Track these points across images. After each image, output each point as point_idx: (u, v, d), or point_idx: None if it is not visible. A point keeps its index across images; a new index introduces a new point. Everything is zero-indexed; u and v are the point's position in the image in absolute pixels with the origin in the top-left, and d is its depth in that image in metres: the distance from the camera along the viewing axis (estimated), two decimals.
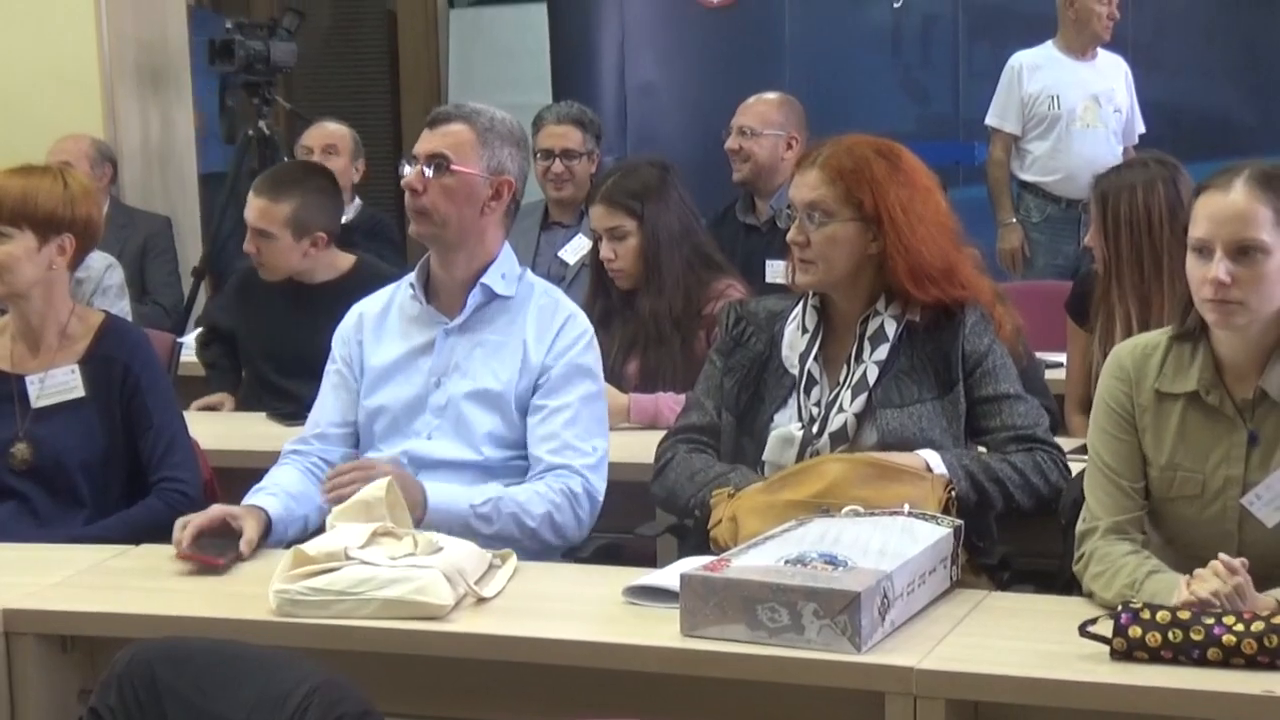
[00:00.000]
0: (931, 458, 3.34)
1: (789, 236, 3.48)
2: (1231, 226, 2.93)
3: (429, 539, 3.15)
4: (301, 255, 4.86)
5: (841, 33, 8.15)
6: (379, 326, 3.74)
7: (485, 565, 3.20)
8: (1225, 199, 2.95)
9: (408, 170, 3.58)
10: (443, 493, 3.46)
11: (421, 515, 3.39)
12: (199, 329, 5.41)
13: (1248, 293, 2.94)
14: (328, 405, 3.75)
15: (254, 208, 4.89)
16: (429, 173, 3.55)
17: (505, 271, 3.67)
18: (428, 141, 3.60)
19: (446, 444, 3.60)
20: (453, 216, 3.59)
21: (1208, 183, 3.02)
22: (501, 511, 3.48)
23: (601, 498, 3.63)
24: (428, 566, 3.03)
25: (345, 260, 4.95)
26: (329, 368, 3.78)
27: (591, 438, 3.61)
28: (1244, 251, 2.93)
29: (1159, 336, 3.15)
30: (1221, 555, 2.79)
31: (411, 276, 3.72)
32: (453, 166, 3.56)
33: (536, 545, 3.52)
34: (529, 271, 3.76)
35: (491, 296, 3.65)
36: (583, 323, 3.70)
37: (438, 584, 3.00)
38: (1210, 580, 2.76)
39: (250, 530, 3.39)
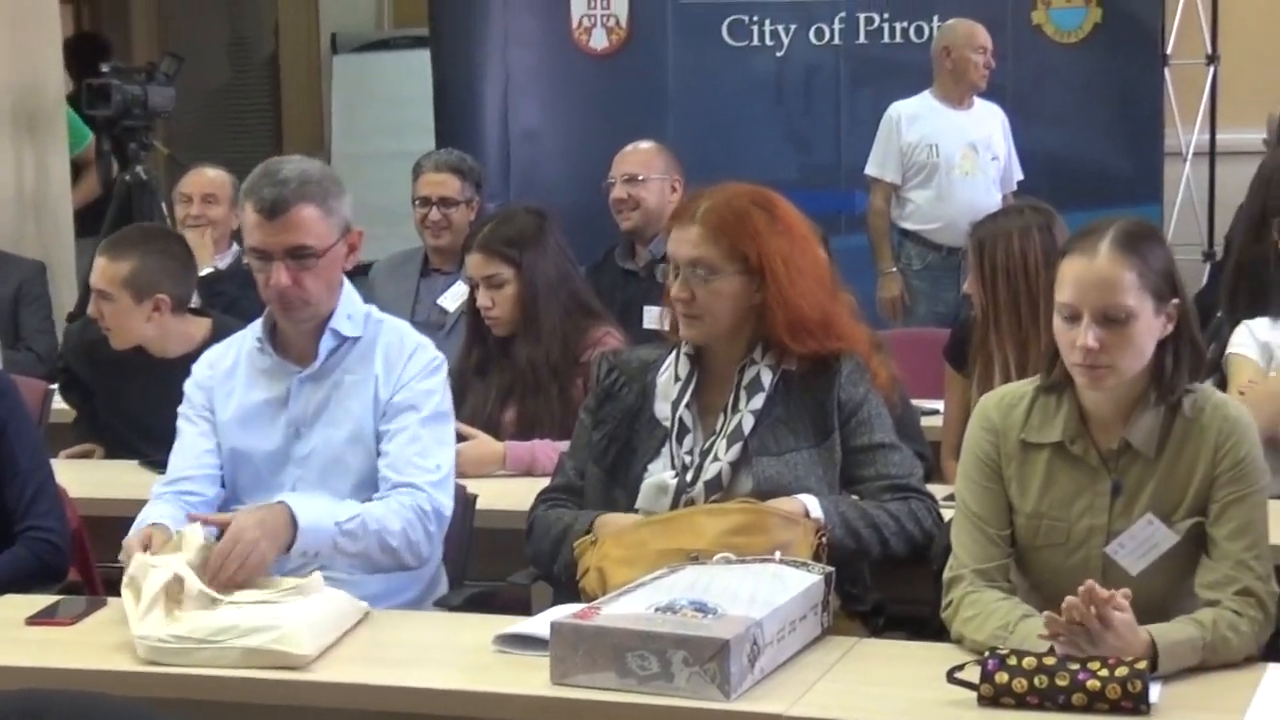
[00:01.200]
0: (810, 502, 3.35)
1: (673, 293, 3.46)
2: (1097, 294, 2.96)
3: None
4: (145, 320, 4.74)
5: (725, 82, 8.20)
6: (228, 379, 3.68)
7: (360, 614, 3.19)
8: (1091, 265, 2.98)
9: (265, 267, 3.49)
10: (310, 511, 3.39)
11: (292, 538, 3.33)
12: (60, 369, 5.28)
13: (1116, 356, 2.98)
14: (191, 449, 3.68)
15: (95, 268, 4.81)
16: (294, 265, 3.48)
17: (351, 312, 3.64)
18: (278, 234, 3.48)
19: (312, 495, 3.52)
20: (324, 292, 3.56)
21: (1072, 246, 3.05)
22: (367, 529, 3.44)
23: (448, 514, 3.59)
24: (292, 613, 3.01)
25: (199, 327, 4.83)
26: (185, 411, 3.71)
27: (433, 456, 3.57)
28: (1111, 318, 2.96)
29: (1026, 387, 3.18)
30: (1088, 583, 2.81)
31: (258, 330, 3.67)
32: (321, 253, 3.51)
33: (393, 565, 3.50)
34: (375, 309, 3.73)
35: (342, 340, 3.62)
36: (430, 353, 3.67)
37: (299, 633, 2.96)
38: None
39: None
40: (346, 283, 3.65)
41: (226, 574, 3.20)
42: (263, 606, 3.07)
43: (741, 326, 3.48)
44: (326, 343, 3.61)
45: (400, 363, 3.61)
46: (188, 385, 3.73)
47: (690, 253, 3.44)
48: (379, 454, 3.58)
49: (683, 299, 3.44)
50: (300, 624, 2.98)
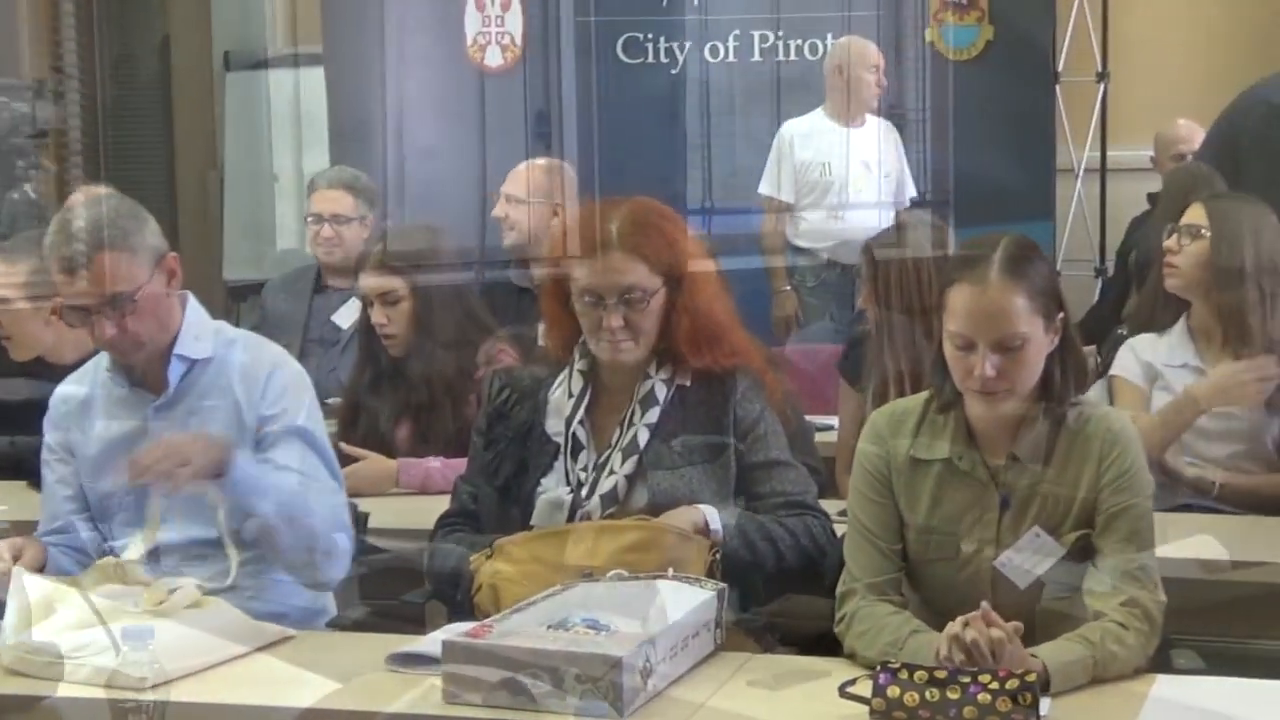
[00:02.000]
0: (710, 513, 3.35)
1: (607, 324, 3.38)
2: (992, 325, 2.99)
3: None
4: (44, 324, 4.70)
5: (620, 99, 8.20)
6: (85, 414, 3.61)
7: (260, 639, 3.17)
8: (982, 296, 2.99)
9: (87, 320, 3.41)
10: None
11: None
12: None
13: (1014, 381, 3.01)
14: (57, 497, 3.61)
15: None
16: (114, 315, 3.40)
17: (199, 332, 3.56)
18: (88, 289, 3.39)
19: (184, 525, 3.46)
20: (155, 328, 3.49)
21: (960, 274, 3.05)
22: (298, 496, 3.43)
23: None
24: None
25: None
26: (47, 457, 3.64)
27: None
28: (1007, 346, 2.99)
29: (915, 402, 3.20)
30: (984, 607, 2.82)
31: (107, 360, 3.59)
32: (136, 296, 3.42)
33: (304, 557, 3.46)
34: (225, 325, 3.66)
35: (192, 363, 3.55)
36: (291, 366, 3.61)
37: (138, 658, 2.91)
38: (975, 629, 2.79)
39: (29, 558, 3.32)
40: (191, 301, 3.58)
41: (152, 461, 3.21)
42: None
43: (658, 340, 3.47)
44: (176, 369, 3.53)
45: (260, 383, 3.52)
46: (45, 424, 3.65)
47: (621, 280, 3.39)
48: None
49: (616, 327, 3.39)
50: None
